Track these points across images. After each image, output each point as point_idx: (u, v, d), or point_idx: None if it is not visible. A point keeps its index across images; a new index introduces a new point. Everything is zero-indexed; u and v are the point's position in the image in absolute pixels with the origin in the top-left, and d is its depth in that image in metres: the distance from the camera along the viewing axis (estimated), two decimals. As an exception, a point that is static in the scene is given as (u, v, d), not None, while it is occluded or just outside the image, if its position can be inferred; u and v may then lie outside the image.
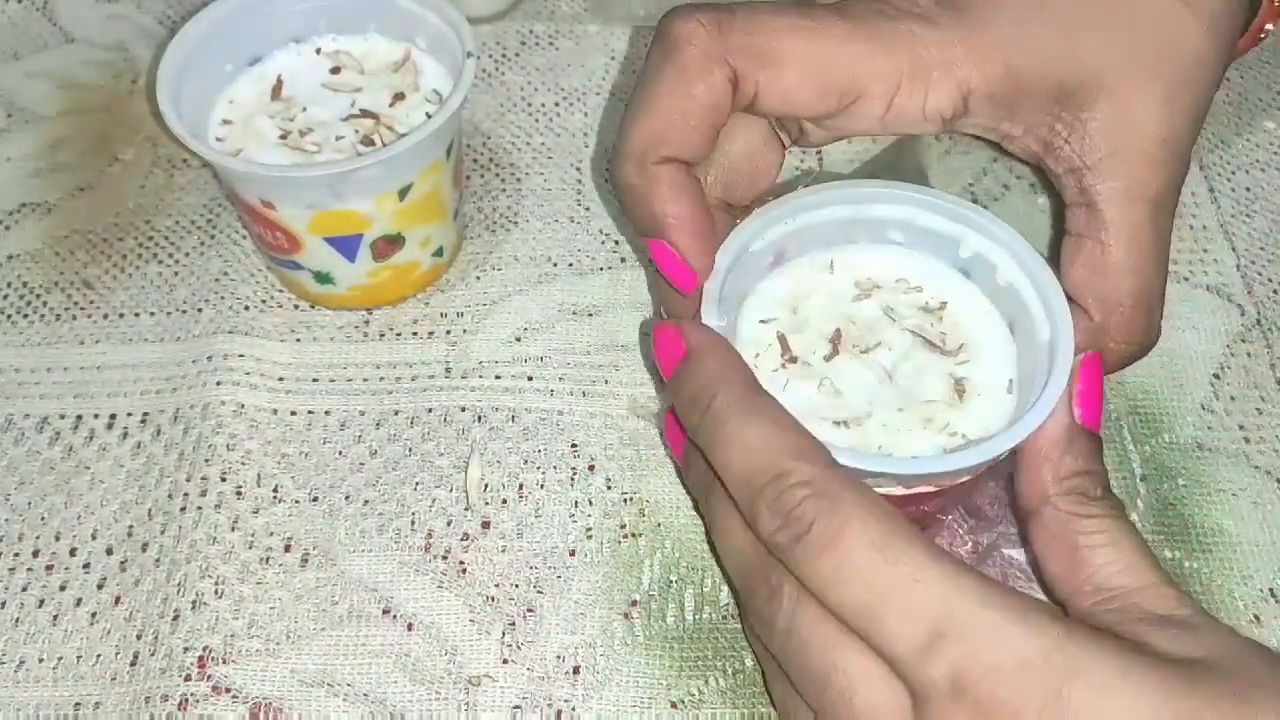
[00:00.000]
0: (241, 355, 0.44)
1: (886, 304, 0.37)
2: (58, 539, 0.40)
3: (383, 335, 0.45)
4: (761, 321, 0.37)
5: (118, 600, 0.39)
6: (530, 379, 0.44)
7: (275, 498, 0.41)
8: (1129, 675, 0.26)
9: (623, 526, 0.40)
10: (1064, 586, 0.31)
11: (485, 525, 0.40)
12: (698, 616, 0.38)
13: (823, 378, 0.36)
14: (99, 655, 0.38)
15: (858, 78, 0.33)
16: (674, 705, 0.36)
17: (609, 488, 0.41)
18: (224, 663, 0.37)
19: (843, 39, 0.33)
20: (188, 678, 0.37)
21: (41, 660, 0.38)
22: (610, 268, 0.47)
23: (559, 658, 0.37)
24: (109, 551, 0.40)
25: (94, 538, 0.40)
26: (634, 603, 0.38)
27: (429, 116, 0.41)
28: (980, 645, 0.26)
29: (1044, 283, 0.35)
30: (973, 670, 0.26)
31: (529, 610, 0.38)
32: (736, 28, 0.33)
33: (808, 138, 0.37)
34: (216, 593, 0.38)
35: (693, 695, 0.36)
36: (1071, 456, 0.32)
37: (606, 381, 0.44)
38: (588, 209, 0.49)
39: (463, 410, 0.43)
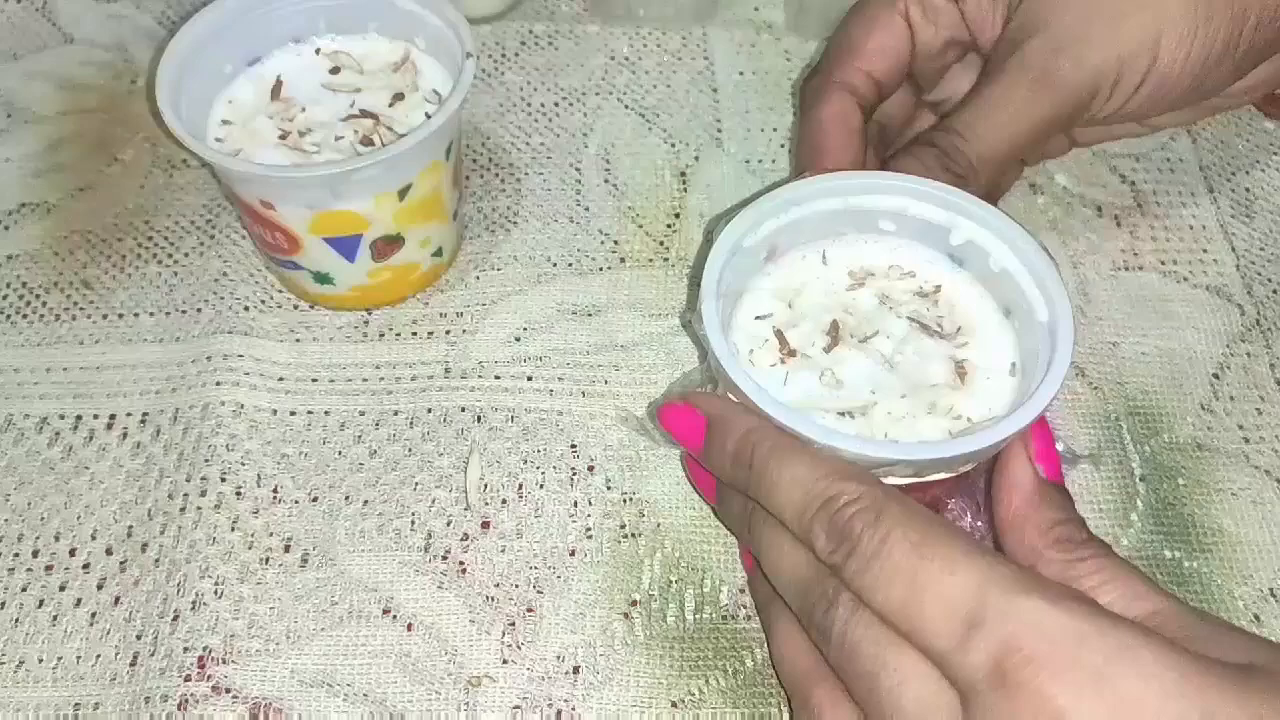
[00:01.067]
0: (241, 355, 0.44)
1: (882, 292, 0.37)
2: (57, 539, 0.40)
3: (382, 335, 0.45)
4: (757, 318, 0.37)
5: (117, 600, 0.39)
6: (530, 379, 0.44)
7: (275, 498, 0.41)
8: (1174, 667, 0.26)
9: (622, 527, 0.40)
10: None
11: (485, 525, 0.40)
12: (698, 616, 0.38)
13: (823, 369, 0.36)
14: (99, 655, 0.38)
15: (895, 5, 0.43)
16: (674, 705, 0.36)
17: (609, 488, 0.41)
18: (224, 663, 0.37)
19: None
20: (187, 678, 0.37)
21: (41, 660, 0.38)
22: (610, 268, 0.47)
23: (559, 658, 0.37)
24: (109, 552, 0.40)
25: (94, 538, 0.40)
26: (634, 603, 0.38)
27: (428, 117, 0.41)
28: (1018, 631, 0.26)
29: (1038, 266, 0.35)
30: (1012, 657, 0.26)
31: (529, 610, 0.38)
32: (833, 57, 0.43)
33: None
34: (216, 593, 0.38)
35: (693, 695, 0.36)
36: (1048, 509, 0.32)
37: (606, 381, 0.44)
38: (587, 209, 0.49)
39: (462, 410, 0.43)
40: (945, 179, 0.38)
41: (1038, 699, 0.26)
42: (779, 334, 0.36)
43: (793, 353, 0.36)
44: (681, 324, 0.45)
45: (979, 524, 0.38)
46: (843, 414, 0.35)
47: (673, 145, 0.51)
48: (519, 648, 0.37)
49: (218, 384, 0.43)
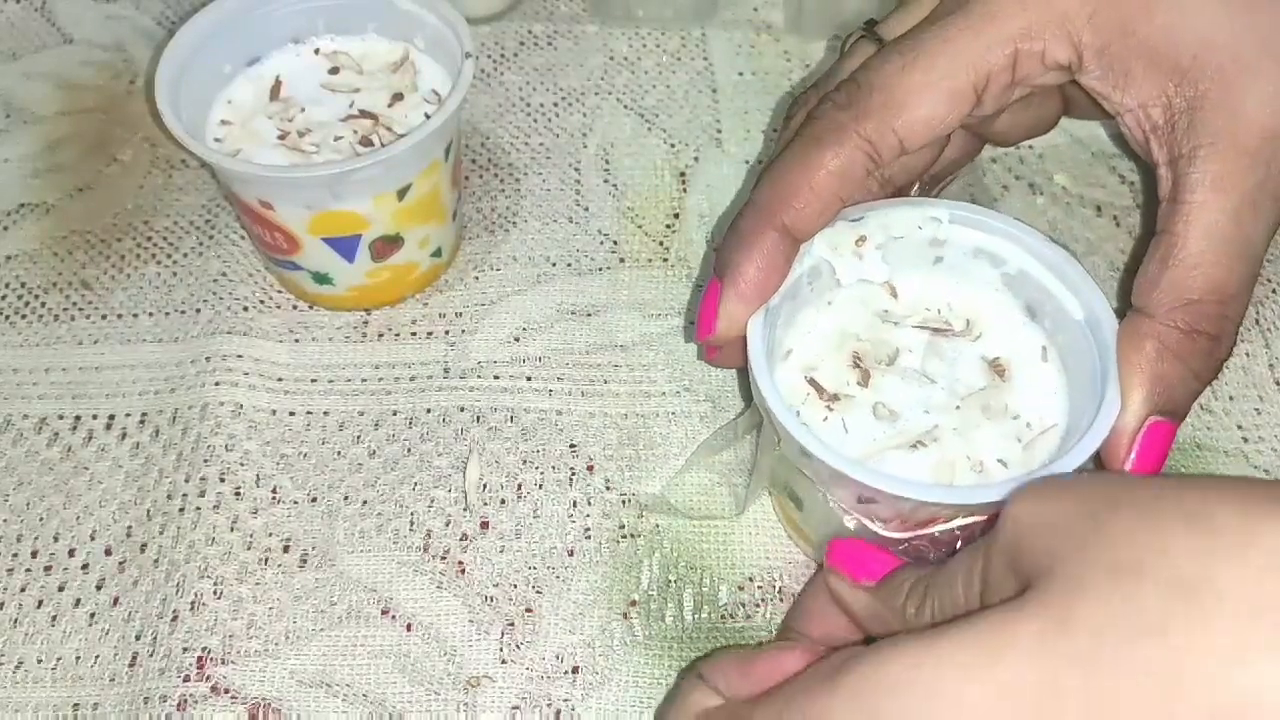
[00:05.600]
0: (240, 356, 0.44)
1: (878, 308, 0.37)
2: (56, 540, 0.40)
3: (381, 336, 0.45)
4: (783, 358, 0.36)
5: (116, 601, 0.39)
6: (529, 379, 0.44)
7: (274, 498, 0.41)
8: None
9: (621, 527, 0.40)
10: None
11: (484, 525, 0.40)
12: (696, 616, 0.38)
13: (873, 404, 0.35)
14: (98, 656, 0.38)
15: (978, 66, 0.34)
16: (673, 705, 0.36)
17: (608, 488, 0.41)
18: (223, 663, 0.37)
19: (948, 45, 0.34)
20: (186, 678, 0.37)
21: (40, 661, 0.38)
22: (609, 268, 0.47)
23: (558, 658, 0.37)
24: (108, 552, 0.40)
25: (93, 538, 0.40)
26: (633, 603, 0.38)
27: (428, 117, 0.41)
28: None
29: (1057, 261, 0.35)
30: None
31: (528, 610, 0.38)
32: (868, 101, 0.34)
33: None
34: (215, 593, 0.38)
35: (691, 695, 0.36)
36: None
37: (605, 381, 0.44)
38: (586, 209, 0.49)
39: (461, 410, 0.43)
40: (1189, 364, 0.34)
41: None
42: (812, 381, 0.35)
43: (835, 397, 0.35)
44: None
45: None
46: (913, 447, 0.34)
47: (672, 145, 0.51)
48: (518, 648, 0.37)
49: (216, 384, 0.43)
